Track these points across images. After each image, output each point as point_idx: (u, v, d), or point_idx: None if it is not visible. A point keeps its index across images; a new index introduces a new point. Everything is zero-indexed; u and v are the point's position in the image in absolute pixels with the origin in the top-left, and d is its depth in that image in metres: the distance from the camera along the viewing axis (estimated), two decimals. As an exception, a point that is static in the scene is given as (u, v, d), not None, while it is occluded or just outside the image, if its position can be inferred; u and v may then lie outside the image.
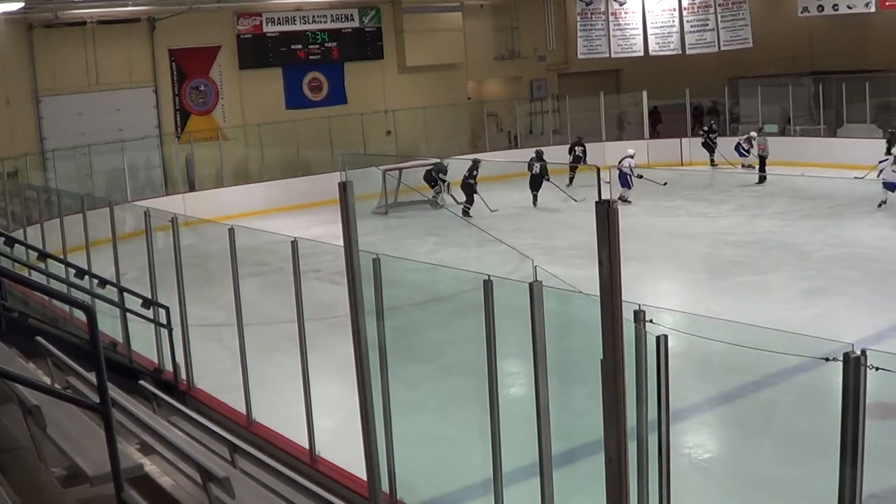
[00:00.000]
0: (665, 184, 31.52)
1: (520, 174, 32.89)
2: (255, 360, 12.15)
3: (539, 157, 31.72)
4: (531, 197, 31.14)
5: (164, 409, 10.04)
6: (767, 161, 33.35)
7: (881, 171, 27.05)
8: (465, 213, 29.53)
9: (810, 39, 40.65)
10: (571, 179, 33.41)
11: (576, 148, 35.32)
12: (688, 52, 36.84)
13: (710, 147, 36.29)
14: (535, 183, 31.28)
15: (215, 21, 34.36)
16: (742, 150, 34.72)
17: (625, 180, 30.33)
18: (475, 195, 30.01)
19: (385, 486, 8.87)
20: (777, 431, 12.02)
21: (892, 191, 26.34)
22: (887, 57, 35.91)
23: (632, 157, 30.85)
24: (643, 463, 6.71)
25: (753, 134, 34.50)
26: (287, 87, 36.82)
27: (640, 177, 30.63)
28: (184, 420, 9.42)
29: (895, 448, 10.44)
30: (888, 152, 29.76)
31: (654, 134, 39.73)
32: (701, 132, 36.81)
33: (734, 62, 38.05)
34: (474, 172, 30.12)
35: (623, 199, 29.70)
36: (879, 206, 26.51)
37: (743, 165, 34.99)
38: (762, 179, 33.03)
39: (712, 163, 36.42)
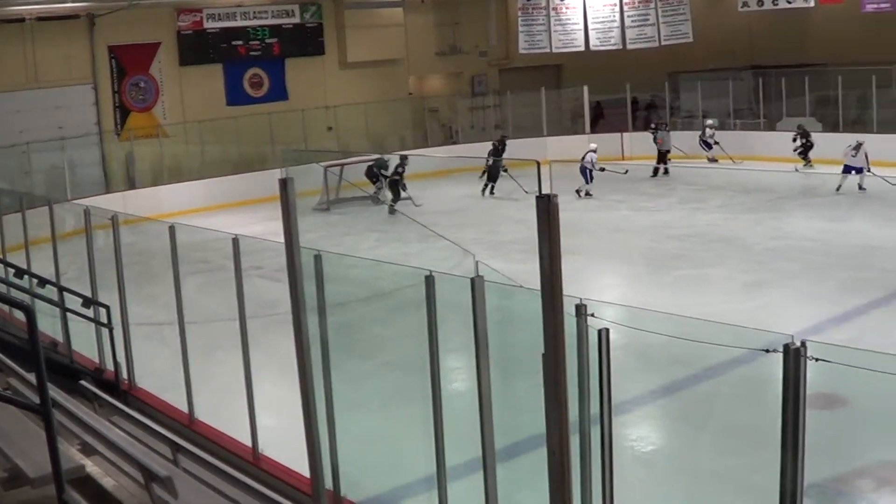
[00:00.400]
0: (626, 171, 31.92)
1: (459, 169, 33.03)
2: (197, 359, 12.09)
3: (496, 149, 32.12)
4: (487, 186, 31.94)
5: (105, 409, 9.95)
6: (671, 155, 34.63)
7: (844, 155, 28.10)
8: (391, 210, 29.64)
9: (750, 34, 41.00)
10: (484, 173, 33.16)
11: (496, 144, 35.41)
12: (628, 46, 36.88)
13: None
14: (492, 174, 31.89)
15: (155, 17, 33.99)
16: (704, 144, 35.09)
17: (586, 175, 30.48)
18: (402, 191, 30.18)
19: (329, 483, 8.87)
20: (719, 423, 12.12)
21: (849, 173, 27.66)
22: (826, 51, 36.36)
23: (594, 151, 30.98)
24: (586, 456, 6.75)
25: (710, 122, 35.09)
26: (228, 84, 36.48)
27: (602, 169, 30.71)
28: (125, 420, 9.34)
29: (835, 438, 10.61)
30: (799, 147, 31.75)
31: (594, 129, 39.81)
32: (650, 129, 36.76)
33: (675, 57, 38.21)
34: (399, 169, 30.23)
35: (587, 194, 30.18)
36: (837, 189, 27.66)
37: (709, 159, 35.16)
38: (656, 171, 33.95)
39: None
